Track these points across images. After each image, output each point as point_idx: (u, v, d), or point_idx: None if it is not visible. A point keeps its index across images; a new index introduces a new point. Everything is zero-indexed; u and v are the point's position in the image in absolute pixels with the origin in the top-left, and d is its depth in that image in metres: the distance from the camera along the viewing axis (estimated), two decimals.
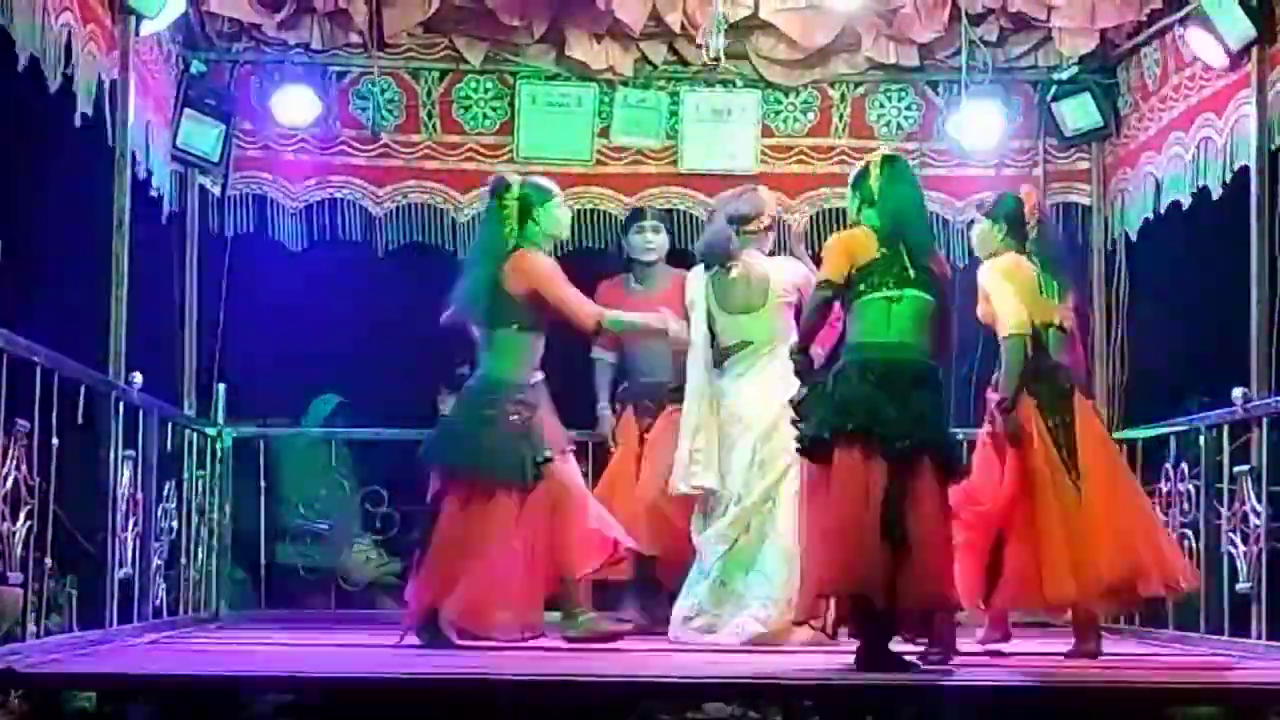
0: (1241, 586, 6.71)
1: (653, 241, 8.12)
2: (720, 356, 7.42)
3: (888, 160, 6.18)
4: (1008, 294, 6.58)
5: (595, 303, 7.33)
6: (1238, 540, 6.75)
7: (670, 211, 8.77)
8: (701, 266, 7.52)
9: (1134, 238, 8.61)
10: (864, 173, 6.17)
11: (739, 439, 7.24)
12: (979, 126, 8.86)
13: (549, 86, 8.97)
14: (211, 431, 8.52)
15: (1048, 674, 5.87)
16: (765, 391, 7.16)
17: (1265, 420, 6.70)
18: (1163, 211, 8.22)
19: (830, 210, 8.92)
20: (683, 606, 7.26)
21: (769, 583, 7.05)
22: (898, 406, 5.76)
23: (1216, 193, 7.59)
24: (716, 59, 8.33)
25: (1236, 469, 6.83)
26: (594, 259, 8.71)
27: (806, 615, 5.99)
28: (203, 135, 8.52)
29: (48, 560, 5.86)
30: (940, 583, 5.82)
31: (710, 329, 7.43)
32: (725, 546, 7.18)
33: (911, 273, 5.93)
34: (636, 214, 8.37)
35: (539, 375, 7.06)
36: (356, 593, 9.02)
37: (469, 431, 6.99)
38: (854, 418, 5.77)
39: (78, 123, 6.83)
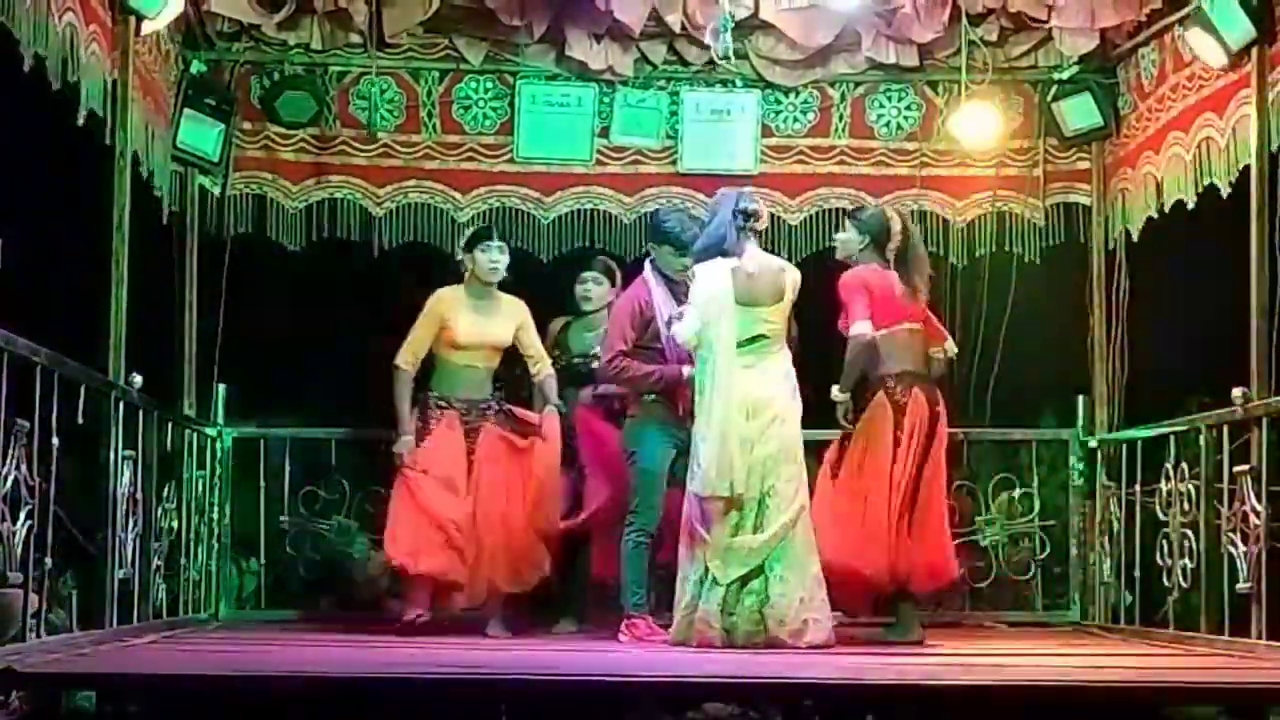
0: (1241, 586, 6.70)
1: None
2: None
3: None
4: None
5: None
6: (1238, 540, 6.74)
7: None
8: (718, 260, 7.12)
9: (1134, 237, 8.61)
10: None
11: (743, 432, 7.10)
12: (979, 126, 8.85)
13: (549, 86, 8.97)
14: (211, 431, 8.52)
15: (1048, 674, 5.86)
16: (771, 384, 7.11)
17: (1265, 420, 6.69)
18: (1165, 211, 8.22)
19: (830, 210, 8.92)
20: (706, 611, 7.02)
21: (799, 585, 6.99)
22: None
23: (1225, 192, 7.57)
24: (726, 58, 8.29)
25: (1236, 469, 6.81)
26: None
27: None
28: (203, 135, 8.52)
29: (48, 560, 5.85)
30: None
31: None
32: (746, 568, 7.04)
33: None
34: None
35: None
36: (357, 592, 9.02)
37: None
38: None
39: (80, 121, 6.84)
